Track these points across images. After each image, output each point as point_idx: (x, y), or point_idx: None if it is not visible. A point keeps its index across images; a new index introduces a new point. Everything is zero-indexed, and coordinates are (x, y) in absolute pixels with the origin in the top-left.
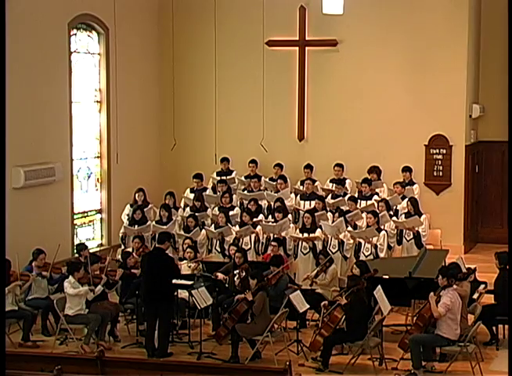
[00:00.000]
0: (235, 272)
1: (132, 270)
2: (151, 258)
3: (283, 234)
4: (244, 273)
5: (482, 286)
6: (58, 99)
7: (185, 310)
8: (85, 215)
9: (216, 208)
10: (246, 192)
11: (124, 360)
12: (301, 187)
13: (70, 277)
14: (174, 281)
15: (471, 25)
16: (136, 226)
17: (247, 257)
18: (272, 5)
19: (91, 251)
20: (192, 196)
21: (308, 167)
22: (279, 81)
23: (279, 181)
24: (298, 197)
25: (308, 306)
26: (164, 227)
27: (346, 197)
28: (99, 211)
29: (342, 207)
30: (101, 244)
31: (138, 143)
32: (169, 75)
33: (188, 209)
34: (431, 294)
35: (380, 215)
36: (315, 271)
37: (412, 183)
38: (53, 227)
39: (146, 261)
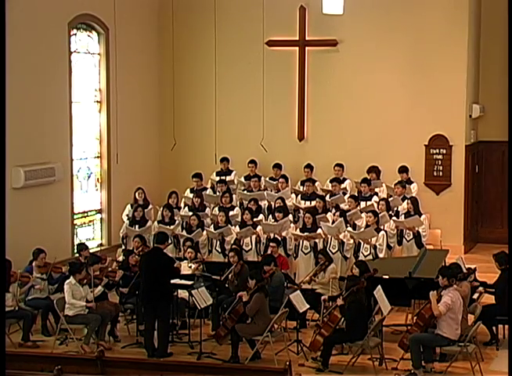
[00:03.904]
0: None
1: (133, 269)
2: (150, 258)
3: (284, 234)
4: (240, 269)
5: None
6: (58, 99)
7: (185, 310)
8: (85, 215)
9: (216, 208)
10: (246, 192)
11: (124, 360)
12: (301, 188)
13: (71, 278)
14: (173, 281)
15: (471, 25)
16: (137, 226)
17: (242, 255)
18: (272, 5)
19: (91, 251)
20: (192, 196)
21: (309, 166)
22: (279, 80)
23: (280, 180)
24: (299, 196)
25: (308, 306)
26: (170, 227)
27: (346, 196)
28: (99, 211)
29: (342, 207)
30: (101, 244)
31: (138, 143)
32: (169, 75)
33: (187, 209)
34: (433, 292)
35: (380, 215)
36: (314, 271)
37: (410, 182)
38: (53, 227)
39: (144, 260)
